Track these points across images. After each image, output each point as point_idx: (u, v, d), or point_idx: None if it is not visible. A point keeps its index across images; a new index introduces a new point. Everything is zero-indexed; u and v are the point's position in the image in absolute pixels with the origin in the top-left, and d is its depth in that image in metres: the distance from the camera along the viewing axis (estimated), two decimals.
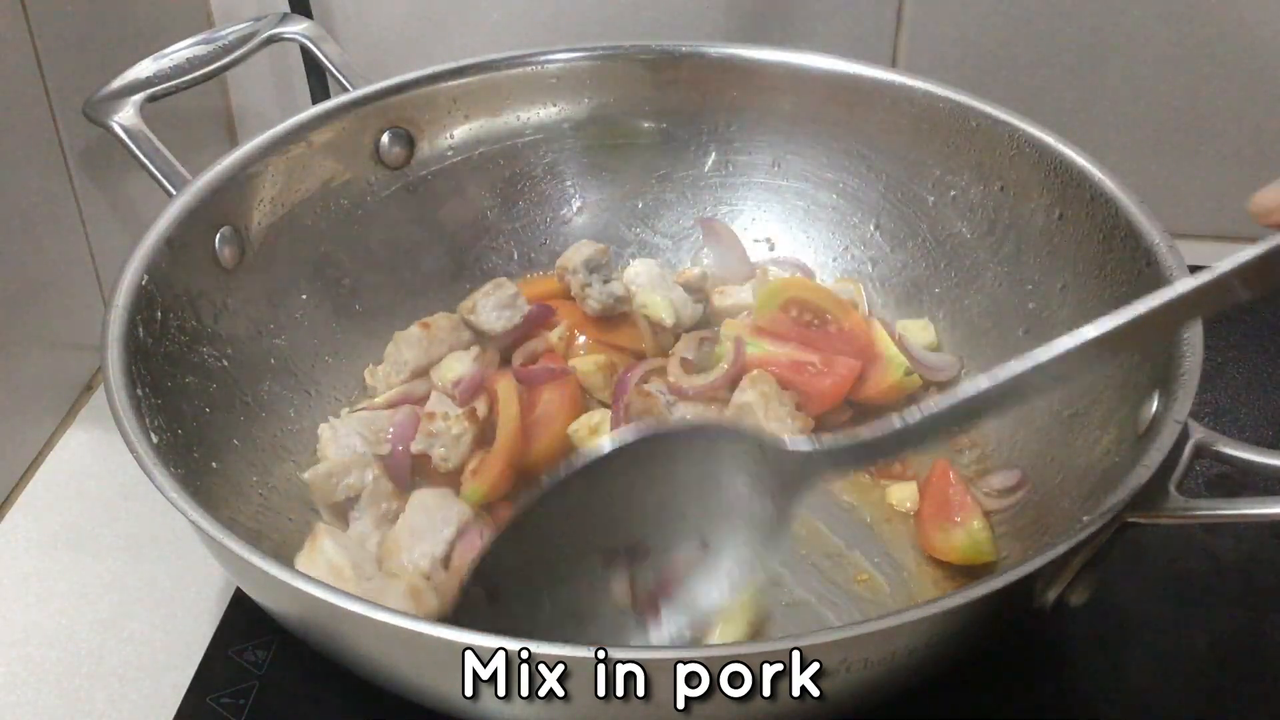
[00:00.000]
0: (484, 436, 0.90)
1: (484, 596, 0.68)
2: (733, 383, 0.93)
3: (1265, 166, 1.20)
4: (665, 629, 0.71)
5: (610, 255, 1.03)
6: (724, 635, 0.78)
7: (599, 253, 1.01)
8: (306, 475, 0.86)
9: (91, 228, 1.05)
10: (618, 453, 0.67)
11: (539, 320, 0.99)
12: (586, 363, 0.96)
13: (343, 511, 0.87)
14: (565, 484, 0.68)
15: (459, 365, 0.94)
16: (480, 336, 0.98)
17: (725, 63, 1.05)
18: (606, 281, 1.01)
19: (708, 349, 0.98)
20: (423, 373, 0.96)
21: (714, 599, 0.71)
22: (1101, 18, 1.14)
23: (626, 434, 0.67)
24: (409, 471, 0.89)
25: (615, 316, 1.01)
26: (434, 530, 0.83)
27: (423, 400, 0.93)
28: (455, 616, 0.68)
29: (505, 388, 0.92)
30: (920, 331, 1.01)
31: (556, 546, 0.69)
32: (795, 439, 0.68)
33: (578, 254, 1.01)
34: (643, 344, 1.00)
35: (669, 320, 1.00)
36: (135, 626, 0.86)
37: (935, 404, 0.66)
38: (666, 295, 1.02)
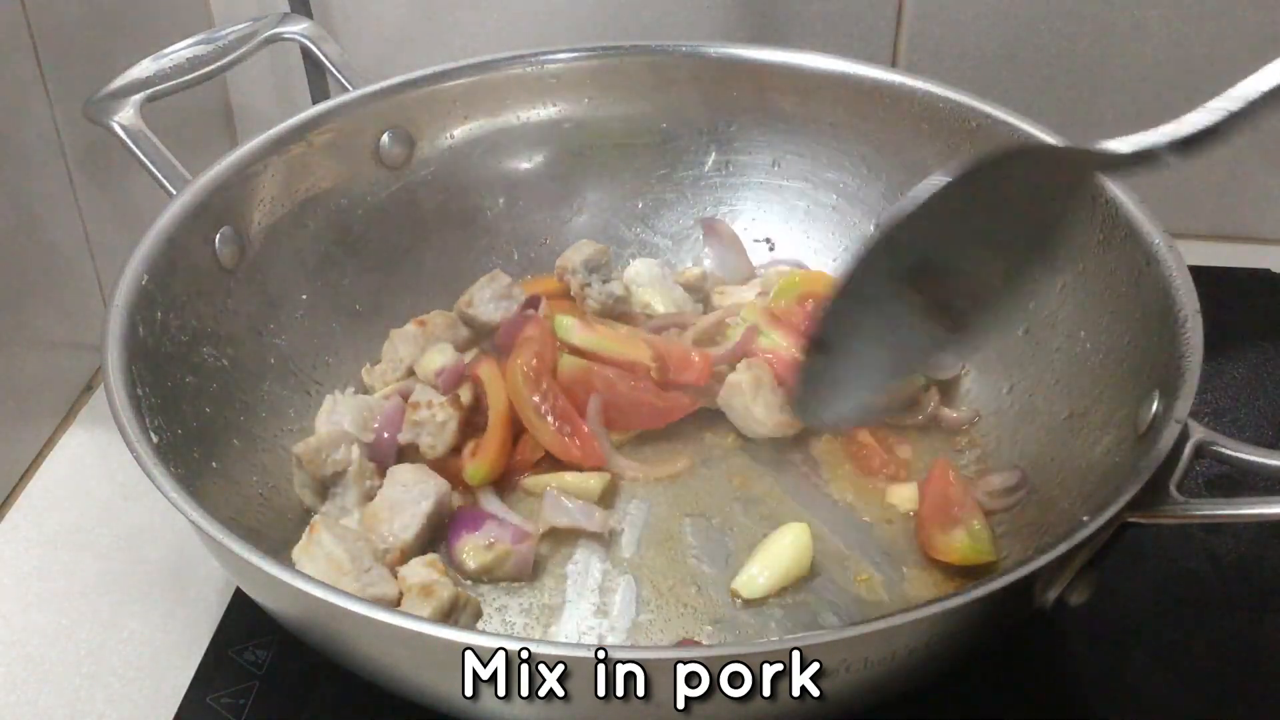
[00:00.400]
0: (470, 423, 0.92)
1: (821, 356, 0.73)
2: (734, 360, 0.95)
3: (1265, 166, 1.20)
4: (971, 340, 0.76)
5: (610, 255, 1.03)
6: (767, 578, 0.83)
7: (598, 253, 1.02)
8: (297, 448, 0.86)
9: (91, 228, 1.05)
10: (932, 198, 0.68)
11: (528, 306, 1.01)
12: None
13: (323, 489, 0.88)
14: (888, 235, 0.70)
15: (440, 356, 0.95)
16: (478, 331, 0.99)
17: (725, 63, 1.05)
18: (606, 281, 1.01)
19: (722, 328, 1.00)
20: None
21: (1012, 308, 0.75)
22: (1101, 18, 1.14)
23: (943, 177, 0.68)
24: (393, 459, 0.91)
25: (615, 316, 1.01)
26: (412, 503, 0.85)
27: None
28: (798, 380, 0.76)
29: (488, 370, 0.93)
30: None
31: (880, 290, 0.72)
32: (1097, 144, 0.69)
33: (577, 254, 1.01)
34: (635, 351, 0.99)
35: None
36: (135, 626, 0.86)
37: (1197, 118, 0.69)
38: (667, 294, 1.02)
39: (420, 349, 0.97)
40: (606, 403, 0.91)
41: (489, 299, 0.98)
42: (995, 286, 0.74)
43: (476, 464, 0.89)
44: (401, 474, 0.87)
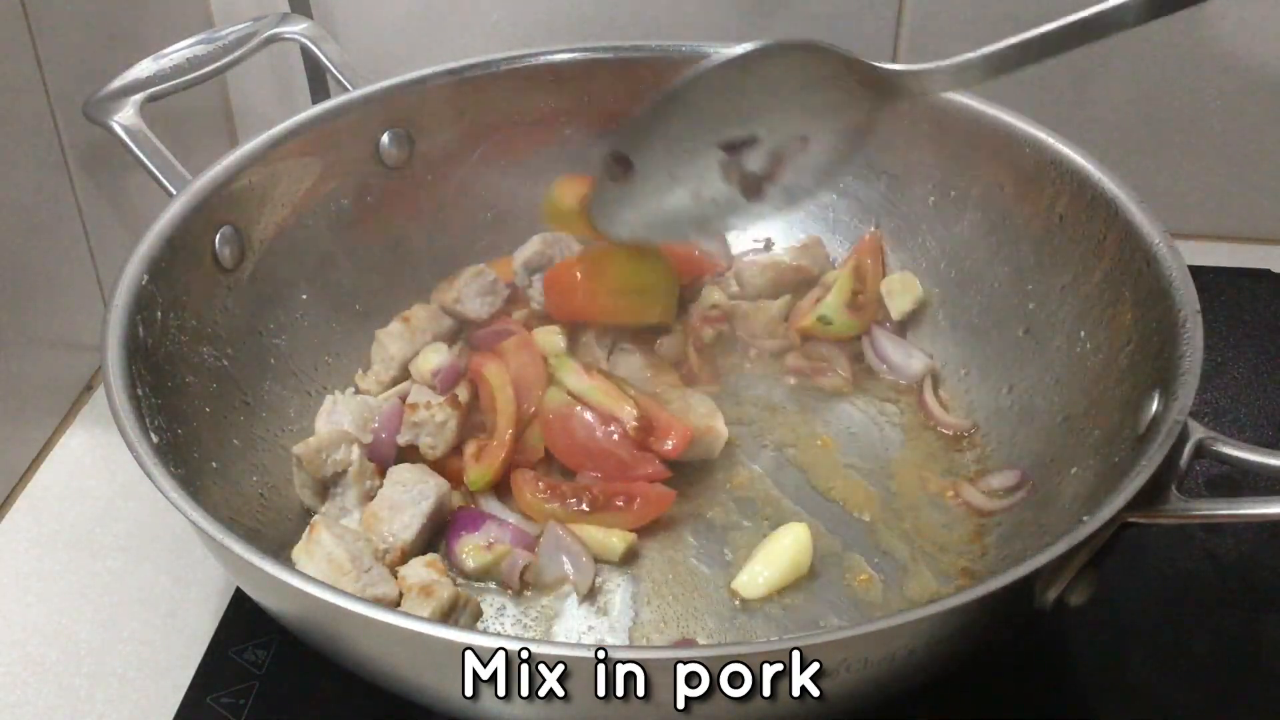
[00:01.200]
0: (468, 422, 0.91)
1: (620, 168, 0.85)
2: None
3: (1265, 166, 1.20)
4: (766, 203, 0.89)
5: (553, 255, 1.01)
6: (767, 578, 0.83)
7: (538, 254, 1.00)
8: (297, 449, 0.86)
9: (91, 228, 1.05)
10: (743, 57, 0.80)
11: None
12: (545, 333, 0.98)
13: (323, 489, 0.87)
14: (698, 79, 0.81)
15: (435, 356, 0.95)
16: (463, 324, 1.00)
17: None
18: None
19: None
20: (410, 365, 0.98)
21: (806, 184, 0.89)
22: None
23: (749, 44, 0.81)
24: (392, 459, 0.91)
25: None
26: (412, 503, 0.85)
27: None
28: (596, 185, 0.87)
29: (495, 372, 0.92)
30: (904, 288, 1.02)
31: (686, 129, 0.84)
32: (886, 64, 0.82)
33: (521, 253, 1.01)
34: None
35: None
36: (135, 626, 0.86)
37: (993, 46, 0.82)
38: None
39: (409, 344, 0.97)
40: (578, 444, 0.90)
41: (474, 295, 0.99)
42: (797, 169, 0.87)
43: (481, 470, 0.89)
44: (401, 474, 0.87)
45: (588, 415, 0.90)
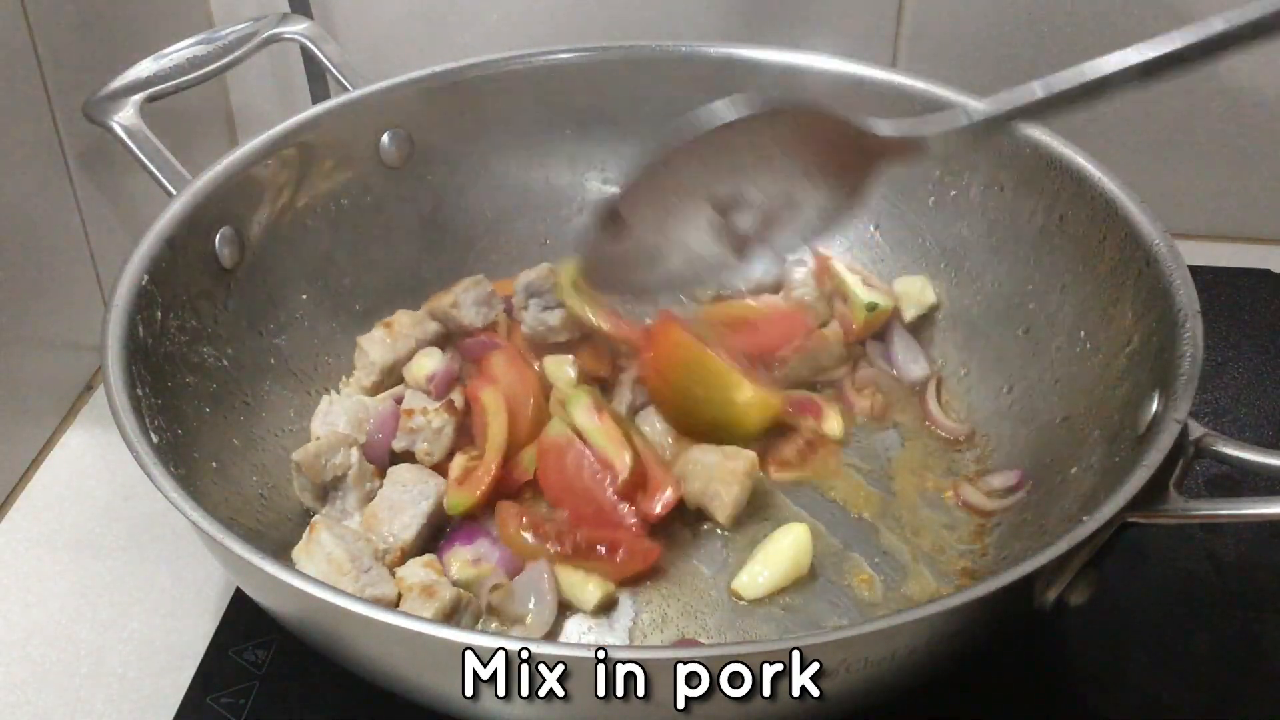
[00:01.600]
0: (465, 424, 0.91)
1: (614, 224, 0.83)
2: None
3: (1265, 166, 1.20)
4: (753, 265, 0.88)
5: (554, 282, 0.98)
6: (767, 578, 0.83)
7: (542, 278, 0.97)
8: (296, 455, 0.86)
9: (91, 228, 1.05)
10: (738, 122, 0.80)
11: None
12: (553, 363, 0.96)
13: (323, 493, 0.87)
14: (693, 144, 0.81)
15: (430, 361, 0.95)
16: (452, 331, 0.98)
17: (725, 63, 1.05)
18: (545, 309, 0.97)
19: None
20: (392, 372, 0.96)
21: (795, 243, 0.88)
22: (1101, 18, 1.15)
23: (743, 106, 0.80)
24: (387, 460, 0.90)
25: (548, 345, 0.98)
26: (412, 504, 0.85)
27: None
28: (589, 245, 0.85)
29: (491, 398, 0.90)
30: (919, 291, 1.01)
31: (678, 189, 0.83)
32: (878, 122, 0.81)
33: (524, 275, 0.98)
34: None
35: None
36: (135, 626, 0.86)
37: (986, 107, 0.77)
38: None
39: (390, 350, 0.96)
40: (565, 479, 0.87)
41: (472, 303, 0.97)
42: (787, 229, 0.87)
43: (462, 496, 0.87)
44: (401, 474, 0.87)
45: (584, 453, 0.87)
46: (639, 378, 0.95)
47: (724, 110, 0.80)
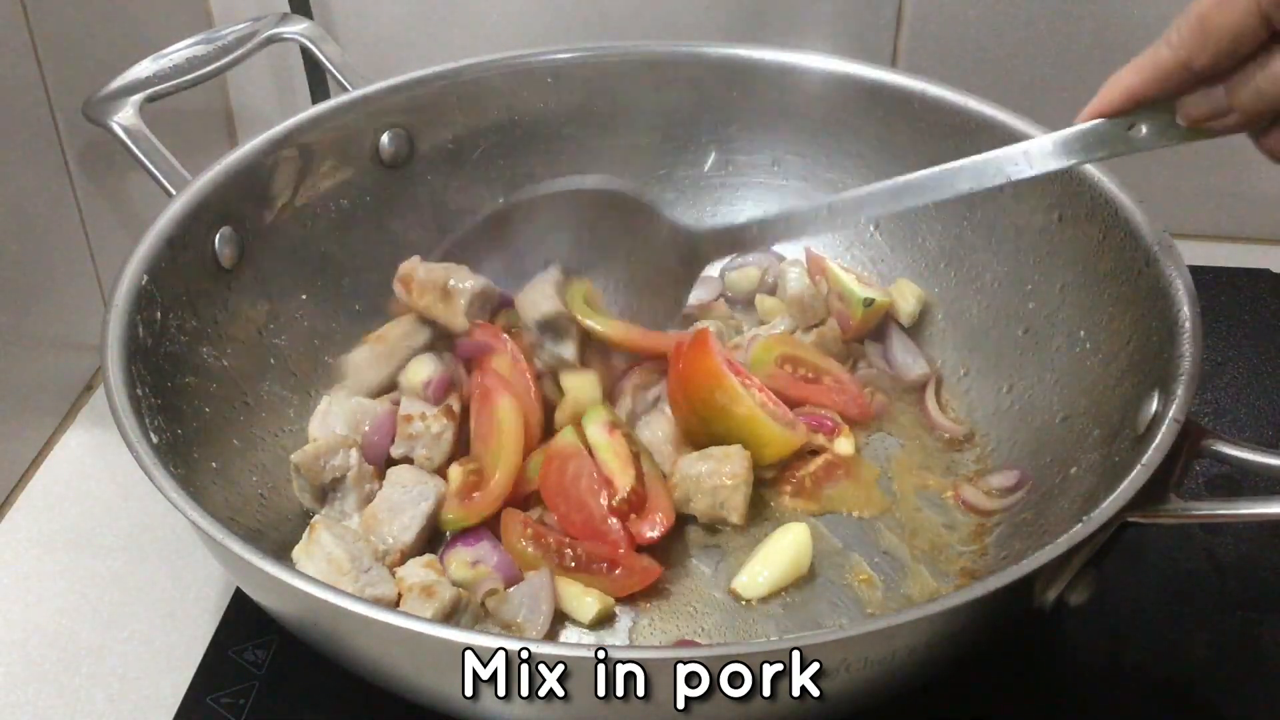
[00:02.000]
0: (464, 429, 0.90)
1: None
2: None
3: (1265, 167, 1.19)
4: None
5: (568, 318, 0.93)
6: (767, 578, 0.83)
7: (558, 315, 0.92)
8: (295, 457, 0.86)
9: (91, 228, 1.05)
10: (580, 192, 0.90)
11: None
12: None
13: (322, 494, 0.87)
14: (535, 201, 0.89)
15: (425, 367, 0.92)
16: (444, 335, 0.95)
17: (725, 63, 1.05)
18: (559, 342, 0.93)
19: None
20: (389, 388, 0.94)
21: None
22: (1102, 18, 1.14)
23: (590, 181, 0.90)
24: (384, 462, 0.90)
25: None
26: (411, 505, 0.85)
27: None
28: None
29: (509, 412, 0.88)
30: (911, 294, 1.02)
31: (516, 248, 0.92)
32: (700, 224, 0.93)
33: (534, 310, 0.92)
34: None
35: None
36: (135, 626, 0.86)
37: (806, 206, 0.89)
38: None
39: (386, 367, 0.93)
40: (565, 486, 0.85)
41: (465, 306, 0.92)
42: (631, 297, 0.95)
43: (464, 514, 0.86)
44: (401, 475, 0.87)
45: (588, 464, 0.86)
46: (639, 383, 0.94)
47: (569, 181, 0.90)
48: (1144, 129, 0.74)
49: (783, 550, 0.84)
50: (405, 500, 0.85)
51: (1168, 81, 0.70)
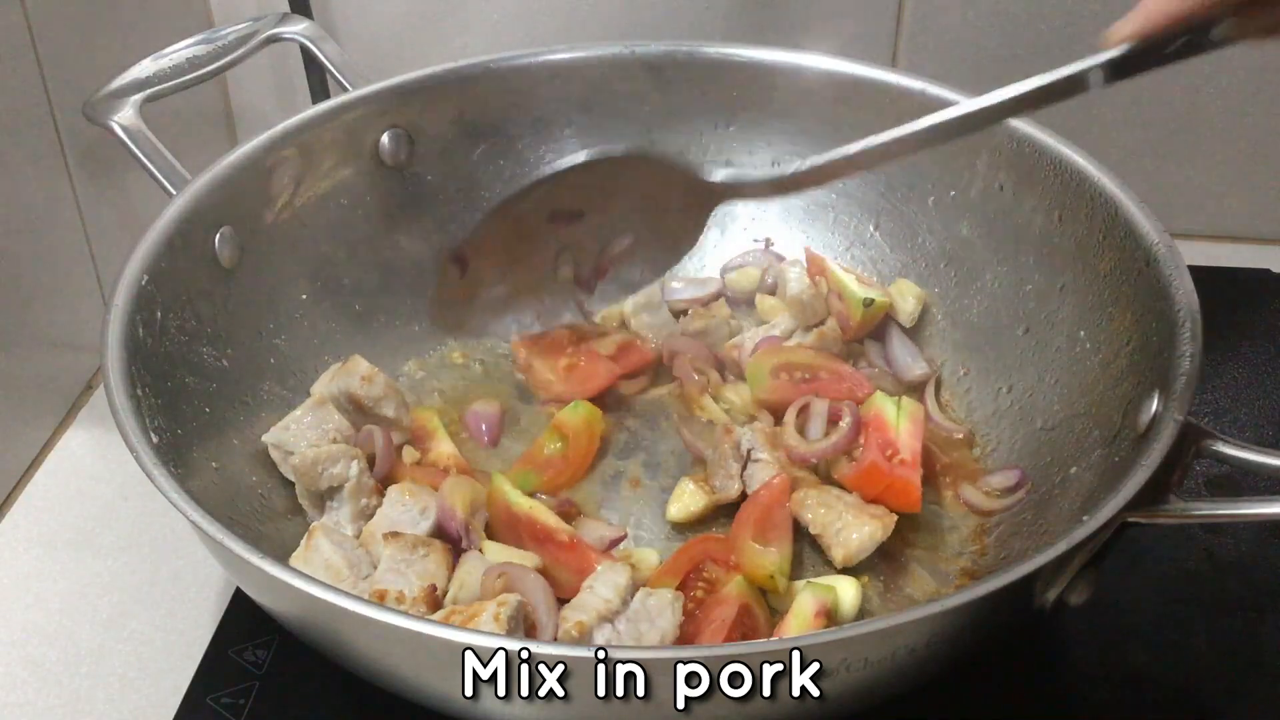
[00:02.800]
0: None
1: (457, 270, 0.89)
2: (848, 449, 0.90)
3: (1265, 166, 1.20)
4: (596, 299, 0.95)
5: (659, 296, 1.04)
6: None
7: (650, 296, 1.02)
8: (294, 460, 0.85)
9: (91, 228, 1.05)
10: (582, 165, 0.86)
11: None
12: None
13: (320, 501, 0.87)
14: (537, 184, 0.86)
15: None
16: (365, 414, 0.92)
17: (725, 63, 1.05)
18: (653, 314, 1.04)
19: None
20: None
21: (636, 279, 0.95)
22: (1101, 18, 1.14)
23: (587, 153, 0.86)
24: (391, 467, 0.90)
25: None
26: (411, 524, 0.83)
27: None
28: (437, 290, 0.91)
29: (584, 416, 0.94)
30: (911, 295, 1.01)
31: (522, 233, 0.88)
32: (713, 170, 0.87)
33: (633, 299, 1.02)
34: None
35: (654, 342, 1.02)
36: (135, 626, 0.86)
37: (820, 157, 0.83)
38: (655, 317, 1.04)
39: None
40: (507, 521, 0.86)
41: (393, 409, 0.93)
42: (630, 265, 0.93)
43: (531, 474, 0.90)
44: (401, 493, 0.85)
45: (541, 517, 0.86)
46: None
47: (561, 160, 0.86)
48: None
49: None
50: (405, 519, 0.83)
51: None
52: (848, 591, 0.81)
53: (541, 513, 0.85)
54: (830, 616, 0.78)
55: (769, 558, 0.82)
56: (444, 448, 0.93)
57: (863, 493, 0.87)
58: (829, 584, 0.81)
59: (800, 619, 0.77)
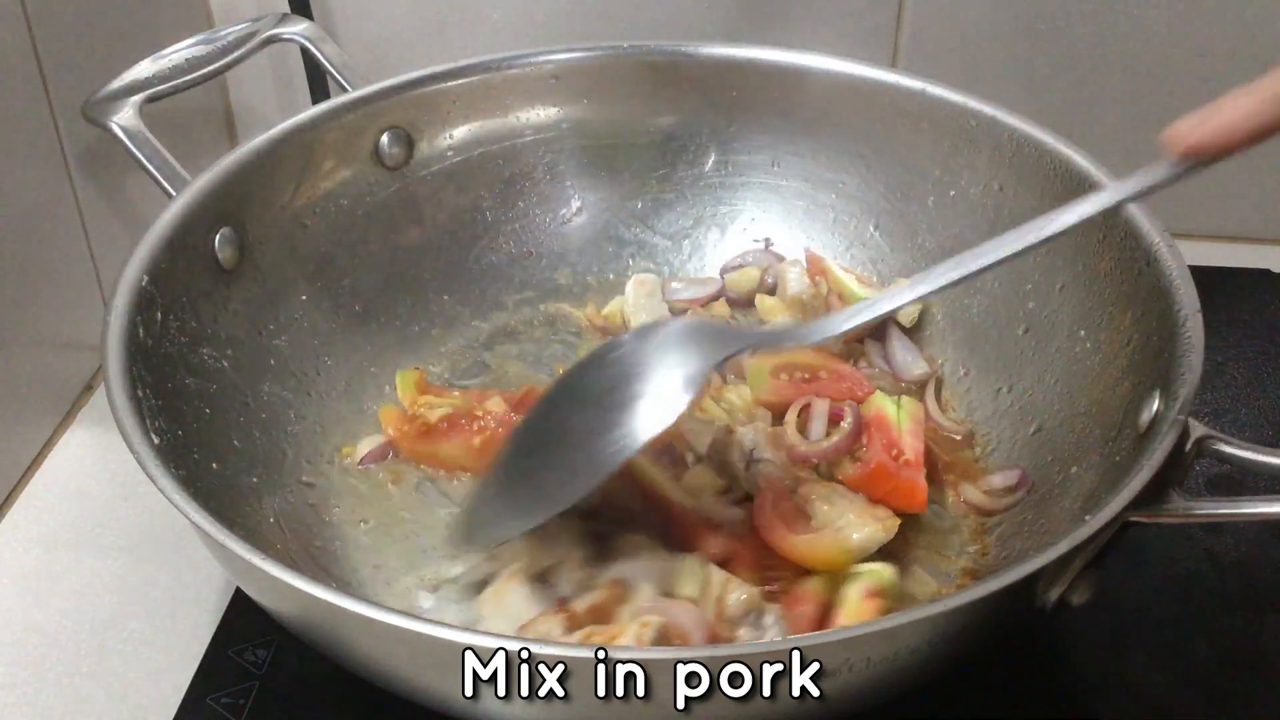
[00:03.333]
0: None
1: (497, 482, 0.83)
2: (850, 449, 0.89)
3: (1265, 166, 1.20)
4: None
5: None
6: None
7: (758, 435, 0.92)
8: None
9: (91, 228, 1.05)
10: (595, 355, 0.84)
11: None
12: None
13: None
14: (577, 370, 0.84)
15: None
16: None
17: (725, 63, 1.05)
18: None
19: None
20: None
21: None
22: (1102, 18, 1.14)
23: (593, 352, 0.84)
24: None
25: None
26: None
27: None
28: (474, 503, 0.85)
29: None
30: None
31: (555, 436, 0.82)
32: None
33: (744, 433, 0.92)
34: None
35: None
36: (135, 626, 0.86)
37: (828, 317, 0.82)
38: (654, 315, 1.03)
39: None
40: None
41: None
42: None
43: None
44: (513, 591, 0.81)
45: None
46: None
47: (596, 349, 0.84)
48: None
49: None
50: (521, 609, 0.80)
51: None
52: (887, 573, 0.80)
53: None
54: (884, 596, 0.78)
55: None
56: (491, 405, 0.93)
57: (868, 494, 0.87)
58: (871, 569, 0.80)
59: (850, 605, 0.77)
